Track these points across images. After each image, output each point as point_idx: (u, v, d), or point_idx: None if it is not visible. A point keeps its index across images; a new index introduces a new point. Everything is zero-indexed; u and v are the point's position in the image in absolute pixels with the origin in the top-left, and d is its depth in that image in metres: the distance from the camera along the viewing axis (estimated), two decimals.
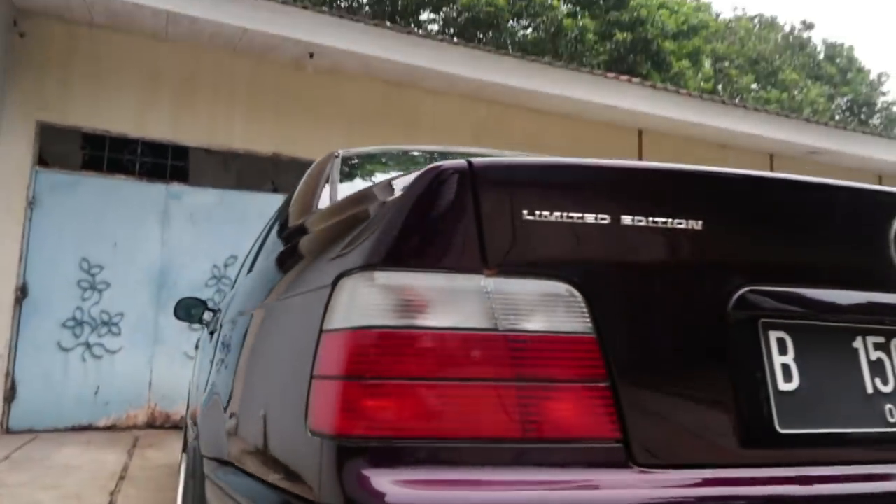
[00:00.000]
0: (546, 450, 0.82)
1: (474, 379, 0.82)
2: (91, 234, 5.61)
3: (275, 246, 1.58)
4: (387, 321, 0.82)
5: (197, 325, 5.73)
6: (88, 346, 5.54)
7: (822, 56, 21.37)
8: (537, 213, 0.85)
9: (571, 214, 0.86)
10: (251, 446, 1.13)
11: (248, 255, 2.38)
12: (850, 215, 0.99)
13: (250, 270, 1.87)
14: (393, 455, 0.80)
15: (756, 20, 21.27)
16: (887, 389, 0.97)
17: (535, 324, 0.84)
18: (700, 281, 0.90)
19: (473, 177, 0.85)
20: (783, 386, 0.92)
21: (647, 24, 13.66)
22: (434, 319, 0.83)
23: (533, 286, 0.85)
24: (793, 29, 21.78)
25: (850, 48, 21.55)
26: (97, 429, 5.44)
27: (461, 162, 0.86)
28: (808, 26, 23.03)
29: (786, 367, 0.93)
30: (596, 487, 0.82)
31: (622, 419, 0.84)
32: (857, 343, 0.98)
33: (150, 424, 5.63)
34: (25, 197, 5.46)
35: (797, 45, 21.22)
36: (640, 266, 0.88)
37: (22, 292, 5.40)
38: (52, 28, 5.58)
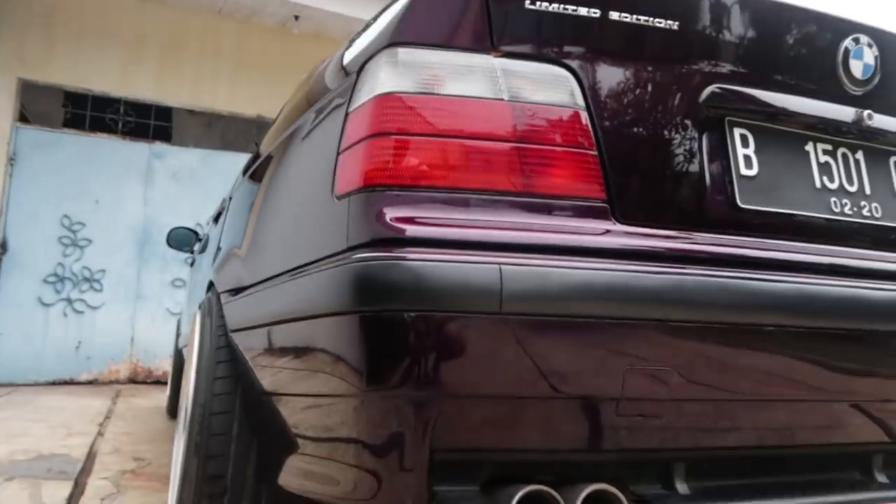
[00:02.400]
0: (542, 204, 0.96)
1: (482, 138, 0.95)
2: (72, 191, 5.63)
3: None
4: (408, 88, 0.95)
5: (180, 282, 5.81)
6: (70, 301, 5.56)
7: None
8: (538, 3, 0.99)
9: (567, 6, 0.99)
10: (278, 253, 1.25)
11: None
12: (810, 34, 1.14)
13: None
14: (411, 200, 0.93)
15: None
16: (833, 186, 1.13)
17: (535, 96, 0.98)
18: (676, 75, 1.05)
19: None
20: (745, 171, 1.07)
21: None
22: (448, 89, 0.96)
23: (533, 66, 0.99)
24: None
25: None
26: (78, 383, 5.47)
27: None
28: None
29: (747, 158, 1.08)
30: (583, 233, 0.96)
31: (607, 183, 0.99)
32: (809, 147, 1.14)
33: (132, 379, 5.67)
34: (6, 153, 5.46)
35: None
36: (625, 56, 1.03)
37: (2, 248, 5.40)
38: None
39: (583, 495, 0.87)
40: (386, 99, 0.95)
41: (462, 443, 0.88)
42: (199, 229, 3.95)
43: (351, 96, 1.03)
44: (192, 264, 3.48)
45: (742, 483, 1.00)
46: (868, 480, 1.07)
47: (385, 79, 0.97)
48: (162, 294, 5.77)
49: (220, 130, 6.39)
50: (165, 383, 4.93)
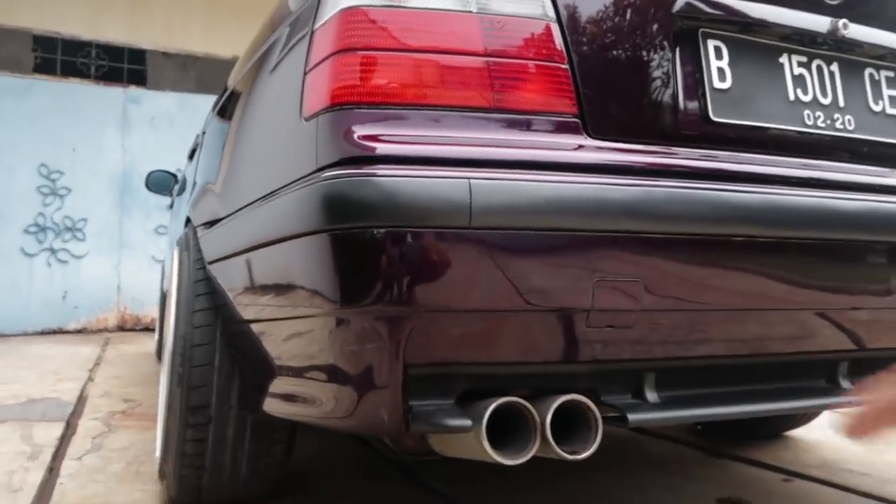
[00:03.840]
0: (513, 119, 0.95)
1: (451, 53, 0.93)
2: (48, 139, 5.50)
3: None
4: (373, 2, 0.92)
5: (163, 230, 5.76)
6: (53, 251, 5.52)
7: None
8: None
9: None
10: (250, 182, 1.24)
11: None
12: None
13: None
14: (379, 118, 0.91)
15: None
16: (806, 99, 1.12)
17: (504, 8, 0.95)
18: None
19: None
20: (718, 84, 1.06)
21: None
22: (415, 1, 0.93)
23: None
24: None
25: None
26: (67, 332, 5.48)
27: None
28: None
29: (721, 70, 1.07)
30: (556, 149, 0.95)
31: (579, 97, 0.97)
32: (783, 59, 1.12)
33: (121, 327, 5.69)
34: None
35: None
36: None
37: None
38: None
39: (554, 406, 0.88)
40: (350, 13, 0.93)
41: (436, 358, 0.89)
42: (178, 174, 3.90)
43: (316, 13, 1.00)
44: (171, 207, 3.45)
45: (711, 391, 1.02)
46: (833, 387, 1.10)
47: None
48: (146, 242, 5.73)
49: (196, 73, 6.22)
50: (154, 330, 4.95)
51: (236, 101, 1.51)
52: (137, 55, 5.90)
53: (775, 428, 2.13)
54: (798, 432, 2.20)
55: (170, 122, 5.86)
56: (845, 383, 1.11)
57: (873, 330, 1.11)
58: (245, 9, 6.06)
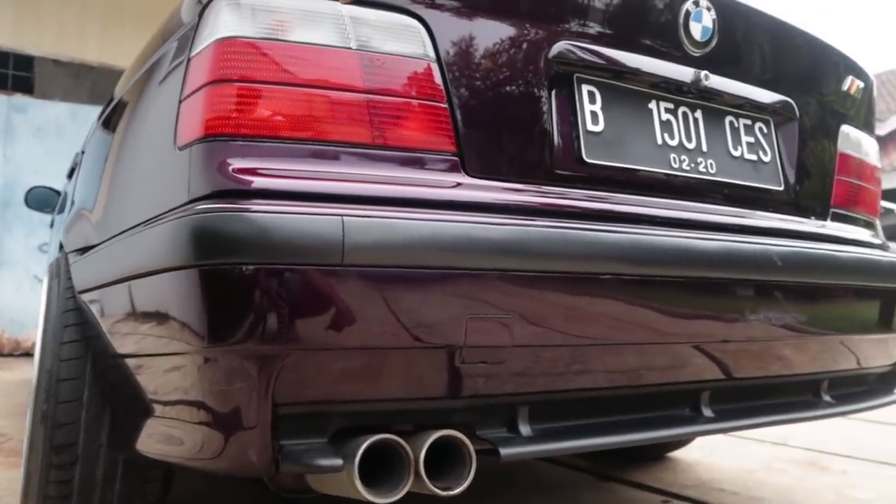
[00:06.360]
0: (393, 157, 0.96)
1: (329, 88, 0.93)
2: None
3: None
4: (251, 33, 0.91)
5: (48, 247, 5.40)
6: None
7: None
8: None
9: None
10: (125, 208, 1.18)
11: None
12: None
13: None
14: (254, 152, 0.90)
15: None
16: (673, 143, 1.20)
17: (385, 46, 0.96)
18: (527, 31, 1.07)
19: None
20: (591, 127, 1.11)
21: None
22: (294, 35, 0.93)
23: (383, 15, 0.97)
24: None
25: None
26: None
27: None
28: None
29: (594, 114, 1.12)
30: (434, 186, 0.96)
31: (458, 136, 1.00)
32: (652, 105, 1.19)
33: None
34: None
35: None
36: (477, 9, 1.03)
37: None
38: None
39: (429, 442, 0.89)
40: (227, 43, 0.91)
41: (307, 396, 0.87)
42: (63, 190, 3.67)
43: (193, 41, 0.98)
44: (52, 226, 3.24)
45: (582, 423, 1.06)
46: (696, 415, 1.17)
47: (226, 22, 0.92)
48: (28, 260, 5.35)
49: (90, 83, 5.91)
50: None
51: (115, 116, 1.44)
52: (24, 61, 5.55)
53: (658, 450, 2.22)
54: (679, 453, 2.31)
55: (59, 133, 5.53)
56: (707, 411, 1.17)
57: (732, 361, 1.19)
58: (147, 16, 5.81)
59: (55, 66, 5.71)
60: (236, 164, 0.88)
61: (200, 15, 0.97)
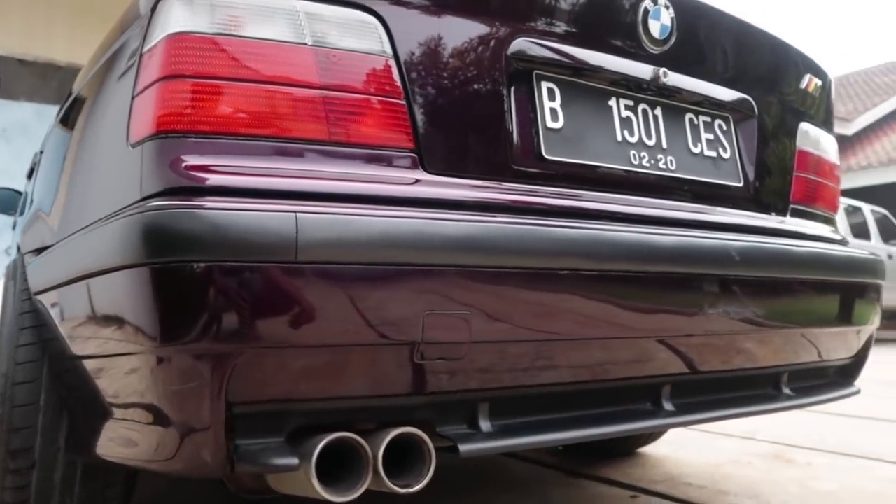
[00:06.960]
0: (350, 153, 0.95)
1: (284, 84, 0.92)
2: None
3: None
4: (203, 28, 0.90)
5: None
6: None
7: None
8: None
9: None
10: (80, 207, 1.16)
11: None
12: None
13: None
14: (207, 148, 0.89)
15: None
16: (633, 140, 1.21)
17: (341, 42, 0.96)
18: (485, 27, 1.07)
19: None
20: (550, 124, 1.12)
21: None
22: (248, 30, 0.92)
23: (339, 11, 0.96)
24: None
25: None
26: None
27: None
28: None
29: (553, 111, 1.12)
30: (391, 182, 0.96)
31: (416, 132, 0.99)
32: (612, 102, 1.20)
33: None
34: None
35: None
36: (435, 4, 1.03)
37: None
38: None
39: (387, 440, 0.88)
40: (179, 39, 0.90)
41: (259, 395, 0.86)
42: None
43: (145, 36, 0.96)
44: (14, 228, 3.18)
45: (542, 419, 1.06)
46: (657, 409, 1.18)
47: (178, 17, 0.91)
48: None
49: (57, 83, 5.80)
50: None
51: (78, 110, 1.41)
52: None
53: (627, 446, 2.24)
54: (649, 448, 2.32)
55: (25, 134, 5.43)
56: (668, 405, 1.18)
57: (693, 355, 1.20)
58: (114, 15, 5.75)
59: (21, 66, 5.60)
60: (189, 160, 0.87)
61: (153, 9, 0.95)
